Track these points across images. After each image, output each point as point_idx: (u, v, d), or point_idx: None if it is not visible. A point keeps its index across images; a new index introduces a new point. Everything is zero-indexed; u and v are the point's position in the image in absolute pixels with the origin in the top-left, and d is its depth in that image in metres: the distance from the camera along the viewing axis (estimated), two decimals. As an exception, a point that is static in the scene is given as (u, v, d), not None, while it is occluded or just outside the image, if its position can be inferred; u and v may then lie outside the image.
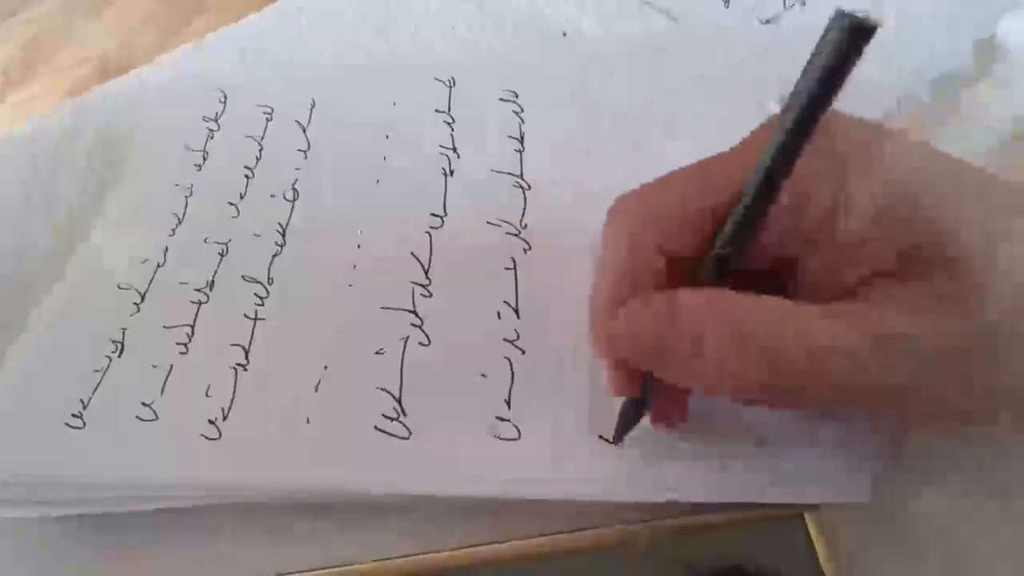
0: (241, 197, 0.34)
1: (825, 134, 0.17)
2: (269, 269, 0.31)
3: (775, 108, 0.30)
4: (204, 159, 0.36)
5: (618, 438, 0.23)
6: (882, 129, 0.20)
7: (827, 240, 0.19)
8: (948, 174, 0.19)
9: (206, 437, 0.26)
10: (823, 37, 0.15)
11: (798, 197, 0.19)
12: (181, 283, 0.31)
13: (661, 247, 0.21)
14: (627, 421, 0.23)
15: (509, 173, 0.32)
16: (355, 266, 0.30)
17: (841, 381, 0.18)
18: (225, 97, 0.39)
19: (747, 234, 0.19)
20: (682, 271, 0.21)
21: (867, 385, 0.18)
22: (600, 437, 0.24)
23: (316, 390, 0.27)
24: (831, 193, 0.19)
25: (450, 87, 0.36)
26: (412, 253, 0.30)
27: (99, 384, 0.28)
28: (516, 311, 0.27)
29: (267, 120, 0.37)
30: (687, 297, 0.20)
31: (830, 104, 0.16)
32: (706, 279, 0.20)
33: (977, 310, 0.18)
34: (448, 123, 0.35)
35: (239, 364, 0.28)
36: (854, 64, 0.15)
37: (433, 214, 0.31)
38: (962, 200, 0.18)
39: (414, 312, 0.28)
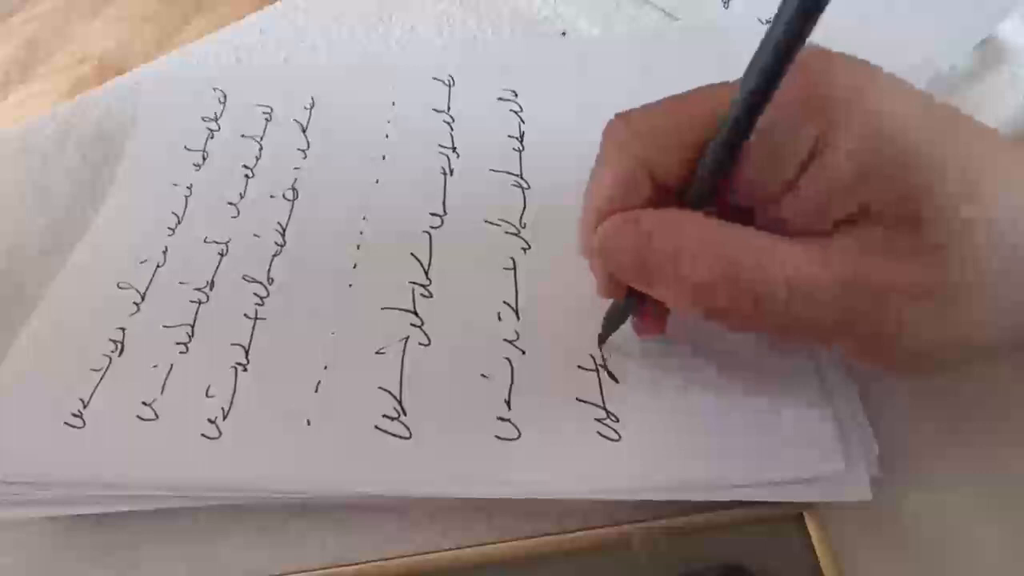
0: (241, 197, 0.34)
1: (816, 76, 0.18)
2: (269, 269, 0.31)
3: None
4: (203, 159, 0.36)
5: (602, 340, 0.25)
6: (873, 73, 0.20)
7: (804, 185, 0.20)
8: (930, 127, 0.19)
9: (206, 437, 0.26)
10: None
11: (781, 138, 0.20)
12: (181, 283, 0.31)
13: (650, 174, 0.21)
14: (612, 323, 0.25)
15: (508, 172, 0.32)
16: (355, 266, 0.30)
17: (805, 314, 0.20)
18: (224, 97, 0.39)
19: (726, 162, 0.20)
20: (668, 197, 0.22)
21: (828, 321, 0.20)
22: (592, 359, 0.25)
23: (316, 390, 0.27)
24: (814, 139, 0.19)
25: (449, 86, 0.36)
26: (412, 253, 0.30)
27: (99, 383, 0.28)
28: (516, 311, 0.27)
29: (266, 120, 0.37)
30: (666, 217, 0.21)
31: (808, 34, 0.16)
32: (688, 205, 0.21)
33: (935, 265, 0.19)
34: (447, 122, 0.35)
35: (239, 364, 0.28)
36: None
37: (433, 213, 0.31)
38: (938, 157, 0.19)
39: (414, 312, 0.28)
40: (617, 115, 0.23)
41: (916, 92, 0.20)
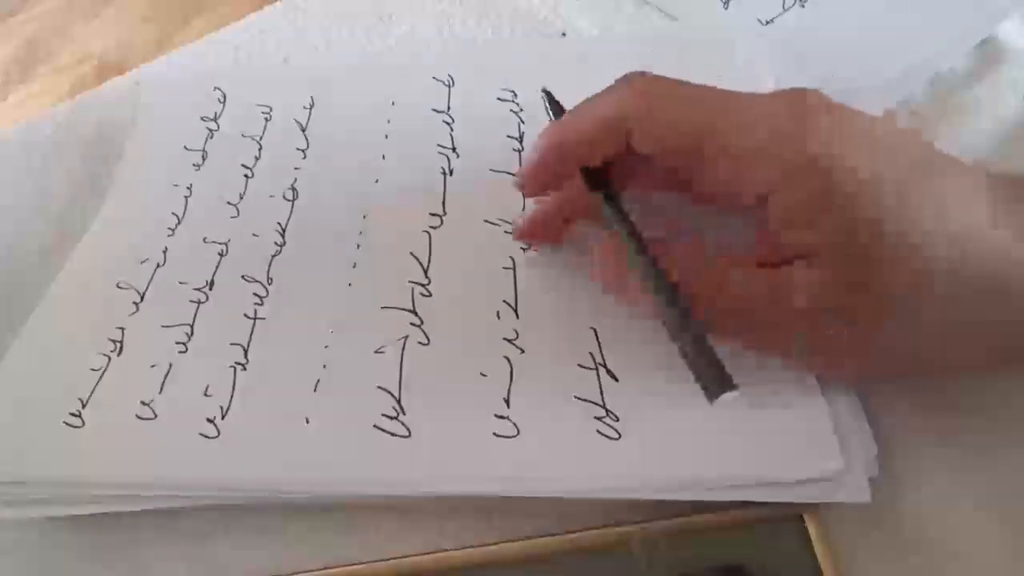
0: (240, 197, 0.34)
1: (789, 122, 0.21)
2: (268, 269, 0.31)
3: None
4: (203, 159, 0.36)
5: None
6: (820, 115, 0.21)
7: (760, 215, 0.22)
8: (872, 166, 0.21)
9: (205, 436, 0.26)
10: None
11: (746, 172, 0.22)
12: (180, 283, 0.31)
13: (628, 135, 0.24)
14: None
15: (508, 172, 0.32)
16: (355, 265, 0.30)
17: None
18: (224, 97, 0.39)
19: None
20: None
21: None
22: None
23: (315, 389, 0.27)
24: (774, 181, 0.21)
25: (449, 87, 0.36)
26: (411, 253, 0.30)
27: (98, 383, 0.28)
28: (515, 310, 0.27)
29: (266, 120, 0.37)
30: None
31: None
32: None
33: (876, 289, 0.20)
34: (447, 123, 0.35)
35: (238, 363, 0.28)
36: None
37: (432, 213, 0.31)
38: (872, 189, 0.20)
39: (413, 311, 0.28)
40: (636, 71, 0.25)
41: (861, 128, 0.21)
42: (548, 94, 0.30)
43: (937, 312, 0.21)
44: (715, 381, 0.21)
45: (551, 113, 0.29)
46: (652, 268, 0.23)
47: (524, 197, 0.29)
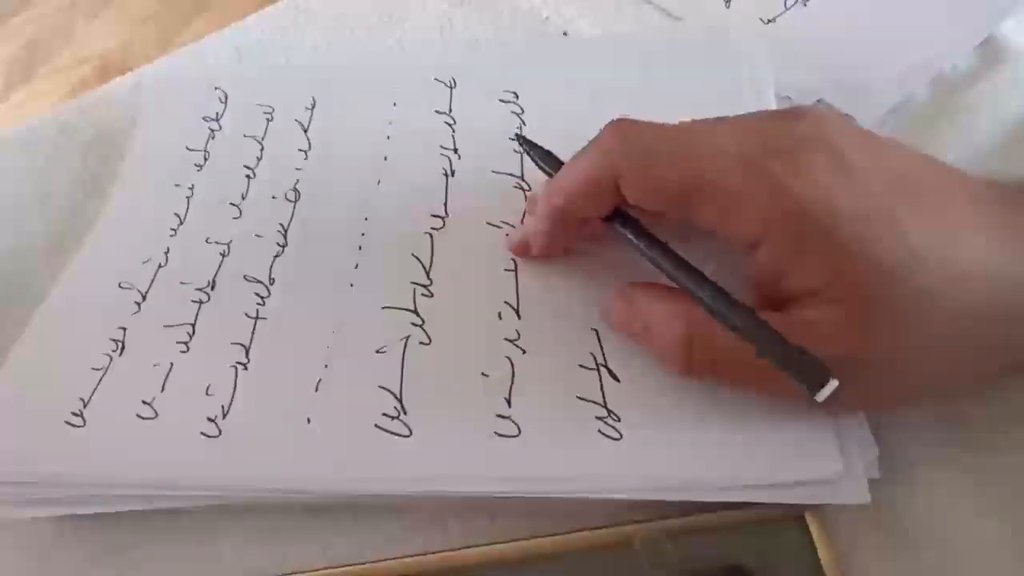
0: (243, 197, 0.34)
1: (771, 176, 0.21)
2: (271, 269, 0.31)
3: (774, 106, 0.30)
4: (205, 159, 0.36)
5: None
6: (808, 155, 0.21)
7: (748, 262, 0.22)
8: (864, 203, 0.21)
9: (206, 435, 0.26)
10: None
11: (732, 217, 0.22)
12: (182, 283, 0.31)
13: (618, 189, 0.24)
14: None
15: (510, 174, 0.32)
16: (356, 266, 0.30)
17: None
18: (226, 97, 0.39)
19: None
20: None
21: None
22: None
23: (316, 389, 0.27)
24: (760, 223, 0.21)
25: (451, 88, 0.36)
26: (413, 254, 0.30)
27: (99, 382, 0.28)
28: (517, 311, 0.27)
29: (268, 120, 0.37)
30: (651, 295, 0.24)
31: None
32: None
33: (867, 337, 0.20)
34: (449, 124, 0.35)
35: (239, 363, 0.28)
36: None
37: (434, 215, 0.31)
38: (864, 232, 0.20)
39: (415, 312, 0.28)
40: (621, 119, 0.24)
41: (851, 159, 0.21)
42: (525, 140, 0.30)
43: (940, 342, 0.20)
44: (813, 376, 0.20)
45: (535, 160, 0.29)
46: (704, 283, 0.22)
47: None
